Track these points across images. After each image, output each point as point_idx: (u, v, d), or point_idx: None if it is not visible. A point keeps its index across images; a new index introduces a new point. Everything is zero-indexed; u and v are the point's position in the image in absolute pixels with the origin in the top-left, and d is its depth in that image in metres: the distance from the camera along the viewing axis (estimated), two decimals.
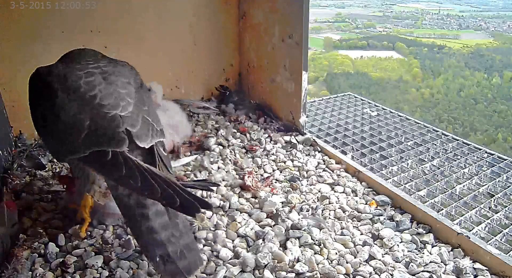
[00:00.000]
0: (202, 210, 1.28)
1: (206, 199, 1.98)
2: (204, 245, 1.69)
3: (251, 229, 1.78)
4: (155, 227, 1.32)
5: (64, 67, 1.61)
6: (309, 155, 2.53)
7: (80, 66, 1.61)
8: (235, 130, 2.80)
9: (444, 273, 1.56)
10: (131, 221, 1.37)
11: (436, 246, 1.74)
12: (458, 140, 3.26)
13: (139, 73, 1.78)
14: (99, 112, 1.43)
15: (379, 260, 1.63)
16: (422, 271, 1.55)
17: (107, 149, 1.35)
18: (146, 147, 1.46)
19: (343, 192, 2.13)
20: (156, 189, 1.24)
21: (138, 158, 1.43)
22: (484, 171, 2.79)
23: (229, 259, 1.61)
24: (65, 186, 1.93)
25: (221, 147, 2.56)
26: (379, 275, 1.54)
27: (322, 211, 1.95)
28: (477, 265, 1.60)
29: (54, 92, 1.51)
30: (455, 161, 2.94)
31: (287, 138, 2.67)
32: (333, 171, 2.34)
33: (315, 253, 1.66)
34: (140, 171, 1.28)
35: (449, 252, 1.69)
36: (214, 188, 2.03)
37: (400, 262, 1.63)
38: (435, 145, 3.19)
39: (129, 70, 1.73)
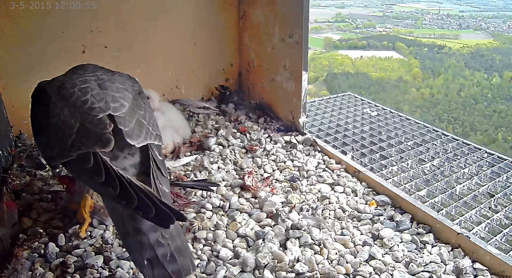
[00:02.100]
0: (177, 222, 1.23)
1: (206, 199, 1.99)
2: (204, 245, 1.69)
3: (251, 229, 1.78)
4: (143, 228, 1.29)
5: (62, 78, 1.66)
6: (309, 155, 2.53)
7: (77, 76, 1.64)
8: (235, 130, 2.80)
9: (444, 273, 1.56)
10: (118, 222, 1.35)
11: (436, 246, 1.74)
12: (458, 140, 3.26)
13: (138, 82, 1.79)
14: (88, 116, 1.44)
15: (379, 260, 1.63)
16: (422, 271, 1.55)
17: (94, 150, 1.35)
18: (137, 146, 1.46)
19: (343, 192, 2.13)
20: (133, 198, 1.21)
21: (129, 158, 1.44)
22: (484, 171, 2.79)
23: (229, 259, 1.61)
24: (65, 186, 1.93)
25: (221, 147, 2.56)
26: (379, 275, 1.54)
27: (322, 211, 1.95)
28: (477, 265, 1.60)
29: (49, 100, 1.54)
30: (455, 161, 2.94)
31: (287, 138, 2.67)
32: (333, 171, 2.34)
33: (315, 253, 1.66)
34: (120, 179, 1.26)
35: (449, 252, 1.69)
36: (214, 188, 2.04)
37: (400, 262, 1.63)
38: (435, 145, 3.19)
39: (127, 79, 1.75)
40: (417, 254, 1.67)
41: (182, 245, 1.35)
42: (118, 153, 1.44)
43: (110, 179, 1.27)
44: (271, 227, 1.80)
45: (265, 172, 2.31)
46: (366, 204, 2.03)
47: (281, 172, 2.30)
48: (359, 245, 1.72)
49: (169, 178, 2.16)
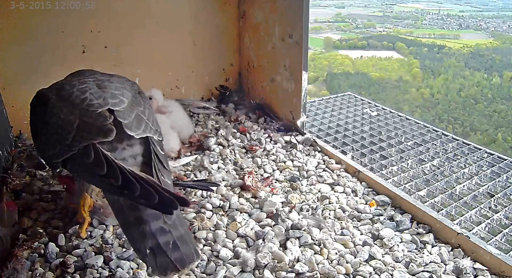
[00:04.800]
0: (181, 208, 1.23)
1: (206, 199, 1.99)
2: (204, 245, 1.69)
3: (251, 229, 1.78)
4: (145, 217, 1.28)
5: (62, 82, 1.68)
6: (309, 155, 2.53)
7: (76, 79, 1.67)
8: (235, 130, 2.80)
9: (444, 273, 1.56)
10: (119, 212, 1.35)
11: (436, 246, 1.74)
12: (458, 140, 3.26)
13: (137, 84, 1.81)
14: (87, 111, 1.46)
15: (379, 260, 1.63)
16: (422, 271, 1.55)
17: (95, 141, 1.37)
18: (136, 137, 1.47)
19: (343, 192, 2.13)
20: (136, 187, 1.21)
21: (128, 150, 1.46)
22: (484, 171, 2.79)
23: (229, 259, 1.61)
24: (65, 186, 1.93)
25: (221, 147, 2.56)
26: (379, 275, 1.54)
27: (322, 211, 1.95)
28: (477, 265, 1.60)
29: (48, 102, 1.56)
30: (455, 161, 2.94)
31: (287, 138, 2.67)
32: (333, 171, 2.34)
33: (315, 253, 1.66)
34: (122, 171, 1.26)
35: (449, 252, 1.69)
36: (214, 188, 2.04)
37: (400, 262, 1.63)
38: (435, 145, 3.19)
39: (126, 80, 1.77)
40: (417, 254, 1.67)
41: (185, 233, 1.33)
42: (117, 144, 1.46)
43: (111, 171, 1.27)
44: (271, 227, 1.80)
45: (265, 172, 2.31)
46: (366, 204, 2.03)
47: (281, 172, 2.30)
48: (359, 245, 1.72)
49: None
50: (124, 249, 1.63)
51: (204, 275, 1.53)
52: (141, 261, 1.56)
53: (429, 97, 30.72)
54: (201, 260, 1.59)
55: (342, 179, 2.23)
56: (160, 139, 1.62)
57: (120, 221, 1.38)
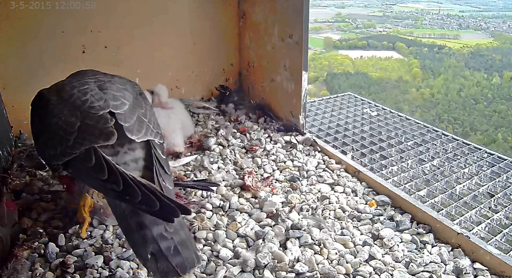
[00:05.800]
0: (182, 215, 1.24)
1: (206, 199, 1.99)
2: (204, 245, 1.69)
3: (251, 229, 1.78)
4: (146, 223, 1.28)
5: (62, 83, 1.68)
6: (309, 155, 2.53)
7: (76, 80, 1.67)
8: (235, 130, 2.80)
9: (444, 273, 1.56)
10: (120, 218, 1.35)
11: (436, 246, 1.74)
12: (458, 140, 3.26)
13: (138, 85, 1.81)
14: (89, 114, 1.46)
15: (379, 260, 1.63)
16: (422, 271, 1.55)
17: (97, 144, 1.37)
18: (137, 141, 1.47)
19: (343, 192, 2.13)
20: (137, 194, 1.20)
21: (129, 154, 1.46)
22: (484, 171, 2.79)
23: (229, 259, 1.61)
24: (65, 186, 1.93)
25: (221, 147, 2.56)
26: (379, 275, 1.54)
27: (322, 211, 1.95)
28: (477, 265, 1.60)
29: (48, 103, 1.55)
30: (455, 161, 2.94)
31: (287, 138, 2.67)
32: (333, 171, 2.34)
33: (315, 253, 1.66)
34: (123, 176, 1.26)
35: (449, 252, 1.69)
36: (214, 188, 2.03)
37: (400, 262, 1.63)
38: (435, 145, 3.19)
39: (127, 81, 1.77)
40: (417, 254, 1.67)
41: (186, 238, 1.33)
42: (119, 148, 1.45)
43: (112, 176, 1.27)
44: (271, 227, 1.80)
45: (265, 172, 2.31)
46: (366, 204, 2.03)
47: (281, 172, 2.30)
48: (359, 245, 1.72)
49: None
50: (124, 249, 1.63)
51: (204, 275, 1.53)
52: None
53: (429, 97, 30.73)
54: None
55: (342, 179, 2.23)
56: (161, 142, 1.62)
57: (121, 225, 1.38)
